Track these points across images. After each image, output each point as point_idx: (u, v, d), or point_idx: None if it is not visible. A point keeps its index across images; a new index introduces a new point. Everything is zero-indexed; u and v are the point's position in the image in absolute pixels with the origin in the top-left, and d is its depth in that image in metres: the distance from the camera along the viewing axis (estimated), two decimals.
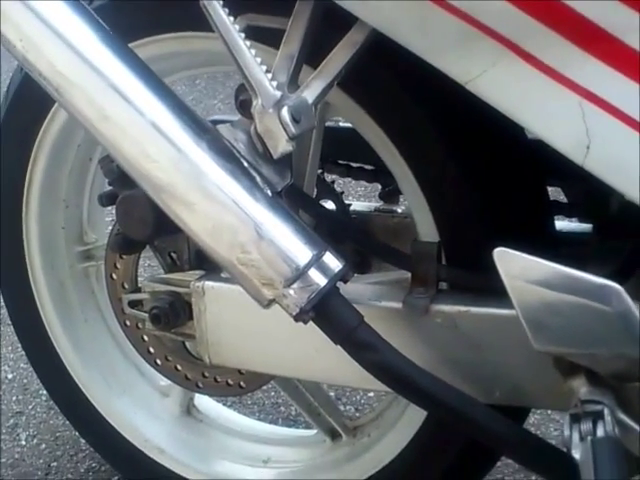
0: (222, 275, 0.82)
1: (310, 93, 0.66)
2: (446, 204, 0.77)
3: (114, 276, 0.96)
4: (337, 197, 1.05)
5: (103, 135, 0.66)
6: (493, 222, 0.77)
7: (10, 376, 1.38)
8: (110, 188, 0.85)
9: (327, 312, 0.65)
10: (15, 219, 1.03)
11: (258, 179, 0.67)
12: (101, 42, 0.66)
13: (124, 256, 0.94)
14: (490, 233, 0.76)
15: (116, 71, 0.65)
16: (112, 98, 0.65)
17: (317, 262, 0.65)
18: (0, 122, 0.99)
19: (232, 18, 0.62)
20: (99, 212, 1.10)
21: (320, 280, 0.64)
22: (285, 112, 0.63)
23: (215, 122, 0.99)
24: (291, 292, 0.64)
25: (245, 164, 0.67)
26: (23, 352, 1.37)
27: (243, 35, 0.63)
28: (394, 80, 0.75)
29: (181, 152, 0.65)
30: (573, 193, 0.95)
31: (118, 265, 0.95)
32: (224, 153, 0.66)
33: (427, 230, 0.80)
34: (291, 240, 0.65)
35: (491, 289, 0.70)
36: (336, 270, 0.65)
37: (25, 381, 1.36)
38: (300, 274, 0.64)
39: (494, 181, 0.78)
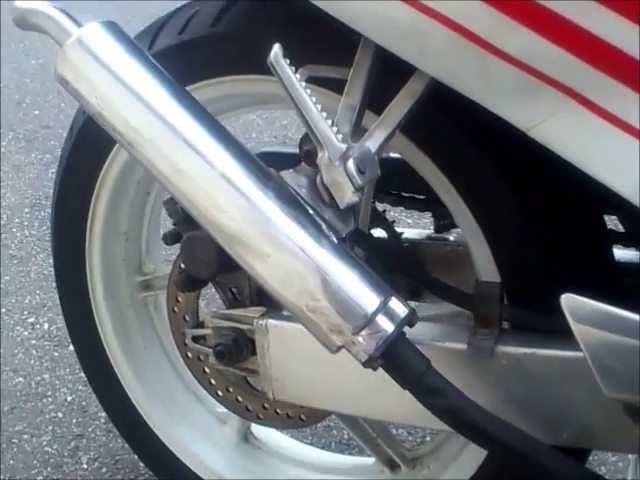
0: (284, 313, 0.84)
1: (373, 143, 0.67)
2: (506, 243, 0.78)
3: (176, 309, 0.98)
4: (389, 226, 1.06)
5: (176, 187, 0.68)
6: (553, 258, 0.77)
7: (69, 398, 1.41)
8: (174, 228, 0.88)
9: (395, 358, 0.66)
10: (79, 252, 1.06)
11: (324, 226, 0.68)
12: (172, 98, 0.68)
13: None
14: (550, 270, 0.77)
15: (187, 126, 0.68)
16: (184, 152, 0.67)
17: (384, 308, 0.66)
18: (64, 160, 1.02)
19: (298, 75, 0.64)
20: (157, 244, 1.13)
21: (388, 326, 0.65)
22: (351, 164, 0.65)
23: (268, 154, 1.03)
24: (360, 339, 0.65)
25: (310, 211, 0.68)
26: (81, 374, 1.42)
27: (309, 91, 0.64)
28: (451, 120, 0.76)
29: (250, 202, 0.66)
30: (630, 222, 0.95)
31: (180, 299, 0.97)
32: (290, 201, 0.68)
33: (485, 265, 0.80)
34: (359, 287, 0.66)
35: (556, 330, 0.70)
36: (402, 315, 0.67)
37: (84, 403, 1.40)
38: (368, 321, 0.65)
39: (553, 216, 0.78)
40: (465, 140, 0.75)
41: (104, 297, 1.09)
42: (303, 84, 0.64)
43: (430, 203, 1.01)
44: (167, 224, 0.95)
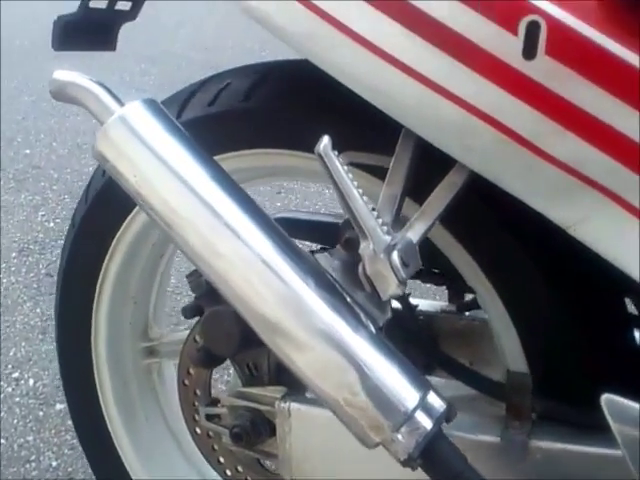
0: (307, 395, 0.82)
1: (414, 234, 0.67)
2: (537, 334, 0.77)
3: (187, 382, 0.95)
4: (404, 299, 1.05)
5: (213, 270, 0.66)
6: (585, 350, 0.77)
7: (54, 463, 1.36)
8: (194, 300, 0.86)
9: (434, 456, 0.64)
10: (85, 314, 1.03)
11: (362, 315, 0.67)
12: (212, 180, 0.67)
13: None
14: (582, 361, 0.76)
15: (227, 209, 0.66)
16: (224, 236, 0.66)
17: (423, 403, 0.64)
18: (79, 221, 1.00)
19: (346, 167, 0.63)
20: (163, 309, 1.11)
21: (427, 423, 0.64)
22: (396, 257, 0.64)
23: (283, 220, 1.02)
24: (399, 437, 0.63)
25: (348, 299, 0.67)
26: (67, 436, 1.37)
27: (356, 183, 0.64)
28: (489, 210, 0.76)
29: (289, 288, 0.65)
30: None
31: (192, 371, 0.95)
32: (328, 287, 0.67)
33: (512, 353, 0.79)
34: (398, 381, 0.64)
35: (589, 424, 0.70)
36: (441, 411, 0.65)
37: (70, 469, 1.34)
38: (408, 418, 0.63)
39: (584, 307, 0.78)
40: (502, 230, 0.75)
41: (107, 361, 1.06)
42: (351, 176, 0.63)
43: (449, 279, 1.01)
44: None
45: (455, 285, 1.02)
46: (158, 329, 1.10)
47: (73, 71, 0.72)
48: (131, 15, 0.99)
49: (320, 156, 0.62)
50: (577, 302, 0.77)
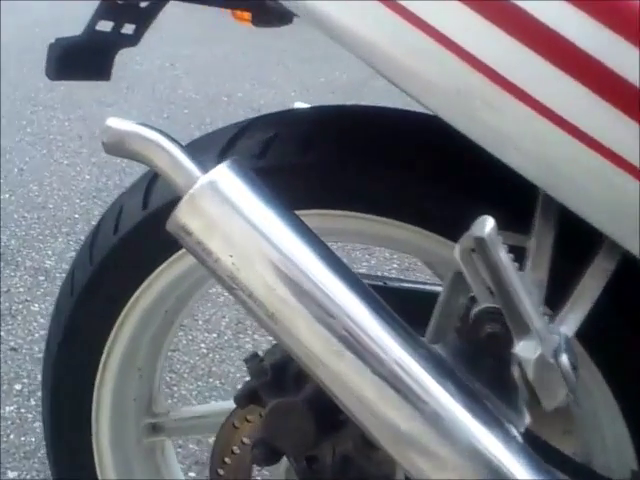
0: None
1: (568, 329, 0.58)
2: None
3: (220, 472, 0.82)
4: None
5: (330, 370, 0.55)
6: None
7: None
8: (249, 387, 0.74)
9: None
10: (85, 390, 0.88)
11: (505, 423, 0.57)
12: (320, 258, 0.56)
13: (237, 452, 0.81)
14: None
15: (344, 295, 0.56)
16: (344, 330, 0.55)
17: None
18: (82, 285, 0.85)
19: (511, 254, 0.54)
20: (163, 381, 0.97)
21: None
22: (566, 361, 0.54)
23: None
24: None
25: (489, 405, 0.58)
26: None
27: (519, 274, 0.55)
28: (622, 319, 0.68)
29: (429, 396, 0.55)
30: None
31: (227, 460, 0.82)
32: (466, 392, 0.57)
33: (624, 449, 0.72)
34: None
35: None
36: None
37: None
38: None
39: None
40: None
41: (110, 444, 0.91)
42: (516, 265, 0.54)
43: None
44: None
45: None
46: (163, 404, 0.96)
47: (129, 120, 0.60)
48: (134, 40, 0.86)
49: (482, 241, 0.53)
50: None
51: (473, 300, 0.62)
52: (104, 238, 0.84)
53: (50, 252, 2.09)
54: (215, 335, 1.82)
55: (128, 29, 0.83)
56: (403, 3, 0.54)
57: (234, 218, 0.55)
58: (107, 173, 2.60)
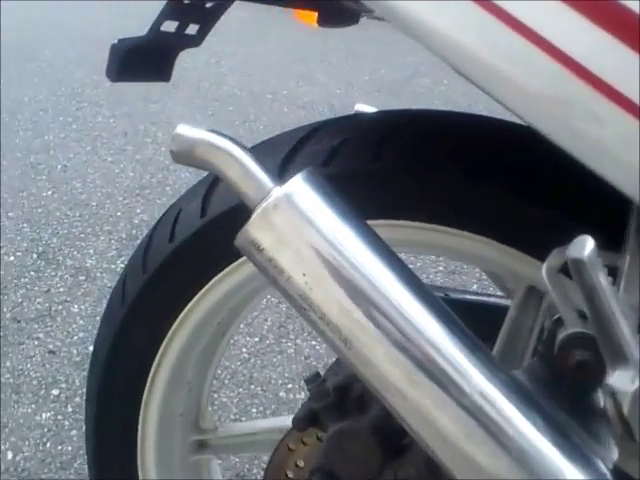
0: None
1: None
2: None
3: None
4: None
5: (407, 399, 0.50)
6: None
7: None
8: (309, 409, 0.69)
9: None
10: (132, 406, 0.84)
11: (593, 458, 0.52)
12: (402, 280, 0.51)
13: (290, 476, 0.77)
14: None
15: (426, 320, 0.51)
16: (423, 357, 0.50)
17: None
18: (132, 295, 0.81)
19: (610, 277, 0.49)
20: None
21: None
22: None
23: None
24: None
25: (576, 439, 0.53)
26: None
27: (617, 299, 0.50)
28: None
29: (514, 428, 0.50)
30: None
31: None
32: (549, 422, 0.52)
33: None
34: None
35: None
36: None
37: None
38: None
39: None
40: None
41: (155, 462, 0.87)
42: (615, 289, 0.49)
43: None
44: None
45: None
46: (211, 420, 0.92)
47: (199, 128, 0.56)
48: (197, 40, 0.83)
49: (578, 262, 0.47)
50: None
51: (558, 323, 0.57)
52: (159, 246, 0.80)
53: (92, 251, 2.07)
54: (257, 339, 1.78)
55: (192, 29, 0.80)
56: (498, 3, 0.49)
57: (308, 234, 0.50)
58: (151, 171, 2.59)
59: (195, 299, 0.79)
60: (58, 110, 3.16)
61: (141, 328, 0.82)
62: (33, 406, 1.53)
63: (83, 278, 1.96)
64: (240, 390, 1.61)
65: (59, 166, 2.61)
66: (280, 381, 1.63)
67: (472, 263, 0.92)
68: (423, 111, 0.79)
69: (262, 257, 0.52)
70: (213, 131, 0.55)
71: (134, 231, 2.18)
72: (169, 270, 0.79)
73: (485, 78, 0.51)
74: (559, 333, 0.54)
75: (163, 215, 0.83)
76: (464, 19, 0.51)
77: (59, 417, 1.51)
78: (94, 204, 2.35)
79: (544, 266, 0.52)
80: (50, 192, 2.41)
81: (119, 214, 2.29)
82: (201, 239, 0.77)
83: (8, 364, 1.63)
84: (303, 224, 0.51)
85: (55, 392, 1.58)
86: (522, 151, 0.66)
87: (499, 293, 0.97)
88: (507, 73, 0.50)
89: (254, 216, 0.51)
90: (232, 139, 0.54)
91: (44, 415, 1.51)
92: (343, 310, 0.50)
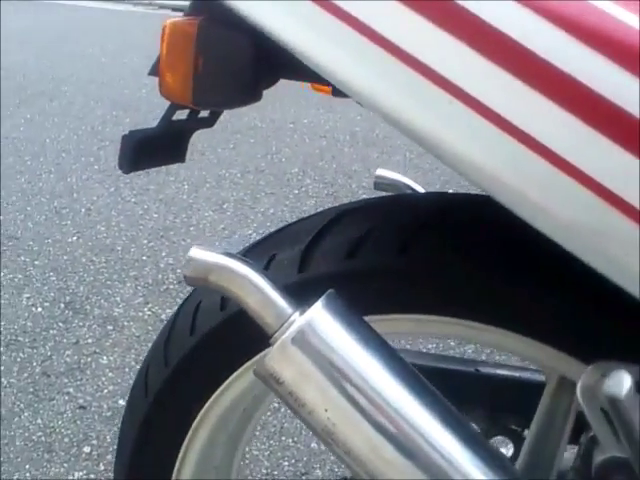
0: None
1: None
2: None
3: None
4: None
5: None
6: None
7: None
8: None
9: None
10: None
11: None
12: (435, 415, 0.49)
13: None
14: None
15: (459, 456, 0.49)
16: None
17: None
18: (156, 387, 0.80)
19: None
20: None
21: None
22: None
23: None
24: None
25: None
26: None
27: None
28: None
29: None
30: None
31: None
32: None
33: None
34: None
35: None
36: None
37: None
38: None
39: None
40: None
41: None
42: None
43: None
44: None
45: None
46: None
47: (214, 249, 0.54)
48: (211, 122, 0.82)
49: (615, 400, 0.45)
50: None
51: (594, 440, 0.54)
52: (180, 338, 0.79)
53: (118, 299, 2.07)
54: None
55: (204, 112, 0.79)
56: (520, 127, 0.47)
57: (330, 369, 0.49)
58: (174, 211, 2.59)
59: (218, 391, 0.77)
60: (79, 150, 3.18)
61: (164, 422, 0.81)
62: (65, 465, 1.53)
63: (111, 328, 1.96)
64: (271, 442, 1.59)
65: (83, 210, 2.63)
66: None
67: (502, 351, 0.89)
68: (465, 196, 0.75)
69: (282, 390, 0.50)
70: (228, 254, 0.53)
71: (160, 275, 2.18)
72: (191, 364, 0.77)
73: (513, 202, 0.49)
74: (595, 453, 0.52)
75: (183, 304, 0.81)
76: (484, 141, 0.49)
77: (91, 476, 1.50)
78: (119, 248, 2.35)
79: (578, 386, 0.50)
80: (75, 237, 2.43)
81: (144, 258, 2.30)
82: (222, 334, 0.75)
83: (39, 421, 1.63)
84: (324, 358, 0.49)
85: (87, 449, 1.57)
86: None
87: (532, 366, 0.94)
88: (540, 204, 0.47)
89: (273, 349, 0.50)
90: (249, 263, 0.53)
91: (76, 474, 1.51)
92: (369, 448, 0.48)
